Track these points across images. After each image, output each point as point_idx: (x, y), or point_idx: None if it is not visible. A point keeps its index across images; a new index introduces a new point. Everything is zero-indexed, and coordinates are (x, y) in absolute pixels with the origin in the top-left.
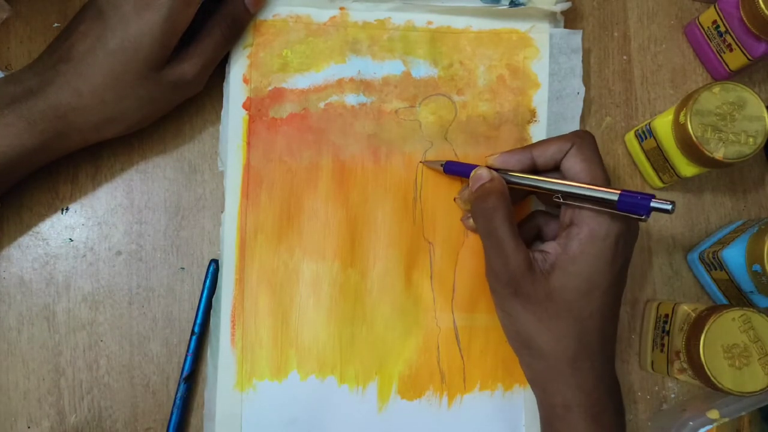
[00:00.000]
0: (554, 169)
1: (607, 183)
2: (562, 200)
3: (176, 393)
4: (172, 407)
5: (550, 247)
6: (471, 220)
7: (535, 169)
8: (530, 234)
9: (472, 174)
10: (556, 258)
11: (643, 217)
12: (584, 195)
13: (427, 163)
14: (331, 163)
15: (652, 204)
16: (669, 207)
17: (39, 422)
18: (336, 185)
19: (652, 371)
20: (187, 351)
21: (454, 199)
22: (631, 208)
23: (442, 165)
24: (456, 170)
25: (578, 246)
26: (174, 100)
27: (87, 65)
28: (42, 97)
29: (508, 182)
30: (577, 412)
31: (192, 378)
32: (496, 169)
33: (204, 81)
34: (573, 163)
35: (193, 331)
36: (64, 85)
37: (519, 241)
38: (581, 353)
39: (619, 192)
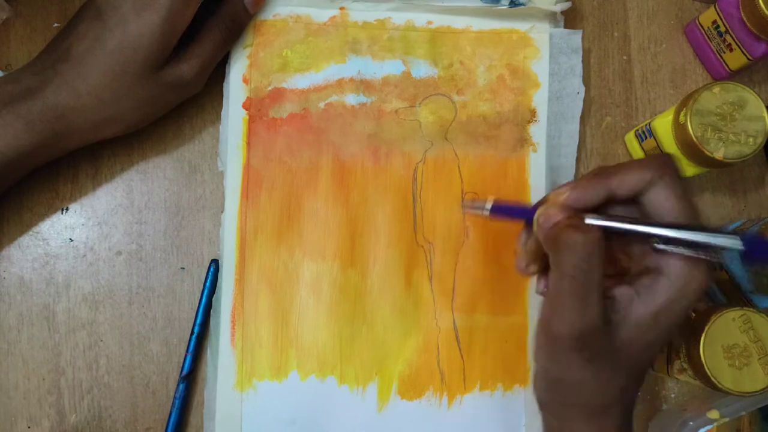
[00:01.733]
0: (629, 202)
1: (697, 218)
2: (663, 246)
3: (176, 393)
4: (172, 407)
5: (622, 293)
6: (532, 268)
7: (610, 204)
8: None
9: (537, 216)
10: (629, 307)
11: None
12: (698, 242)
13: (467, 209)
14: (331, 163)
15: None
16: None
17: (39, 422)
18: (336, 185)
19: (652, 371)
20: (187, 351)
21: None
22: (762, 255)
23: (485, 209)
24: (506, 212)
25: (665, 299)
26: (173, 101)
27: (86, 65)
28: (40, 97)
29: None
30: None
31: (191, 378)
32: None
33: (203, 81)
34: (662, 198)
35: (192, 330)
36: (63, 85)
37: (602, 297)
38: (620, 399)
39: (740, 239)
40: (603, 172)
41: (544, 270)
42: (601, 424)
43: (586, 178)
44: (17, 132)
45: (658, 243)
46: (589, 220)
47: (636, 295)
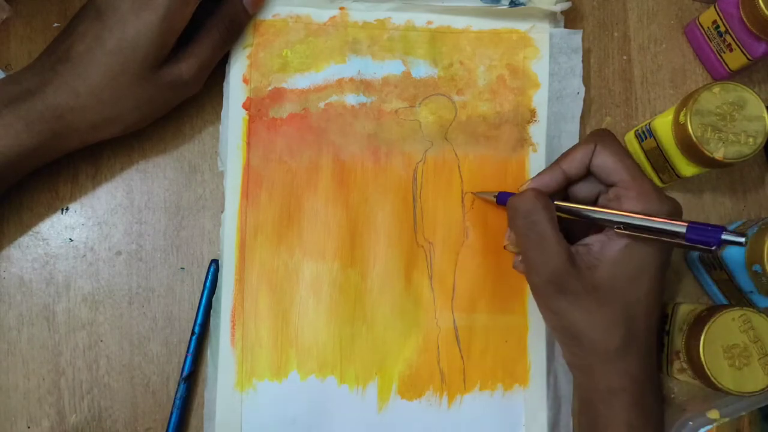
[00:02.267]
0: (585, 177)
1: (640, 171)
2: (624, 231)
3: (176, 393)
4: (172, 407)
5: (594, 239)
6: (510, 246)
7: (569, 183)
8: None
9: (508, 203)
10: (603, 248)
11: (713, 248)
12: (646, 226)
13: (478, 194)
14: (331, 163)
15: (724, 237)
16: (742, 240)
17: (39, 422)
18: (336, 185)
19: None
20: (187, 351)
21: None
22: (701, 241)
23: (494, 196)
24: (503, 200)
25: (624, 239)
26: (172, 101)
27: (85, 66)
28: (40, 97)
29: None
30: (621, 396)
31: (192, 378)
32: None
33: (202, 81)
34: (602, 160)
35: (193, 331)
36: (63, 86)
37: (560, 237)
38: (630, 340)
39: (686, 224)
40: (556, 160)
41: None
42: (618, 366)
43: (543, 170)
44: (17, 132)
45: (620, 228)
46: (558, 203)
47: (607, 238)
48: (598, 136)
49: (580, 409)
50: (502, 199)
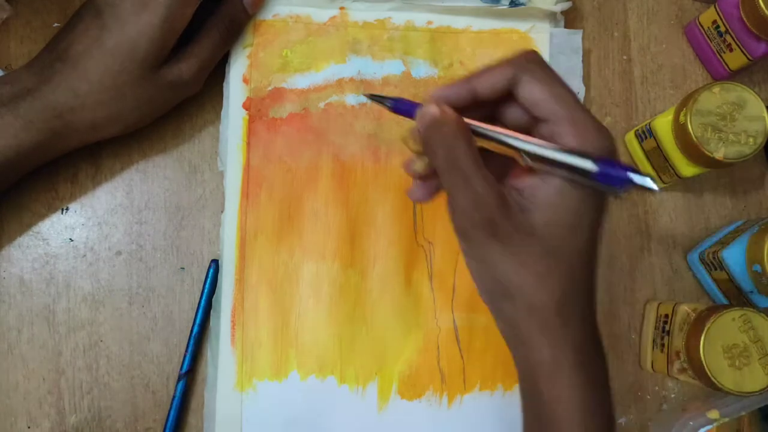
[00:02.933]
0: (503, 101)
1: (578, 103)
2: (530, 162)
3: (174, 390)
4: (170, 403)
5: (527, 181)
6: (417, 164)
7: (478, 105)
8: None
9: (417, 112)
10: (536, 191)
11: (620, 192)
12: (549, 157)
13: (372, 97)
14: (331, 163)
15: (632, 178)
16: (654, 187)
17: (39, 422)
18: (336, 185)
19: (652, 371)
20: (186, 350)
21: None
22: (609, 181)
23: (389, 104)
24: (405, 110)
25: (564, 177)
26: (171, 101)
27: (84, 65)
28: (39, 96)
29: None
30: (567, 367)
31: (190, 376)
32: None
33: (201, 82)
34: (531, 90)
35: (192, 330)
36: (61, 85)
37: (488, 174)
38: (569, 297)
39: (597, 161)
40: (471, 73)
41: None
42: (558, 333)
43: (459, 80)
44: (16, 131)
45: (529, 159)
46: (470, 122)
47: (541, 181)
48: (525, 61)
49: (522, 393)
50: (402, 108)
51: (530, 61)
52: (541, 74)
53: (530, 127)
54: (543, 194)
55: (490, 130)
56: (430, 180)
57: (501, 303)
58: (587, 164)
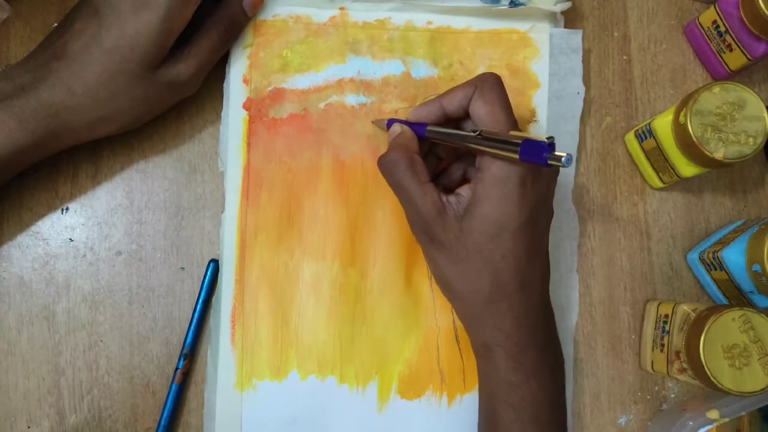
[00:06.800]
0: (466, 117)
1: (512, 124)
2: (474, 146)
3: (174, 371)
4: (167, 394)
5: (465, 190)
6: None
7: (449, 119)
8: (456, 178)
9: (390, 130)
10: (468, 201)
11: (548, 164)
12: (483, 147)
13: (376, 122)
14: (331, 163)
15: (546, 156)
16: (566, 163)
17: (39, 422)
18: (336, 185)
19: (652, 371)
20: (182, 349)
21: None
22: (531, 159)
23: (386, 123)
24: (390, 125)
25: (483, 189)
26: (169, 101)
27: (81, 63)
28: (34, 94)
29: (429, 137)
30: (497, 352)
31: (189, 375)
32: (414, 124)
33: (199, 82)
34: (476, 107)
35: (189, 329)
36: (57, 83)
37: (427, 188)
38: (496, 295)
39: (519, 141)
40: (441, 94)
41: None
42: (489, 322)
43: (429, 100)
44: (11, 130)
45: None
46: (430, 128)
47: (474, 185)
48: (480, 80)
49: (478, 372)
50: (389, 125)
51: (485, 80)
52: (490, 95)
53: None
54: (471, 203)
55: (441, 131)
56: None
57: (448, 295)
58: (510, 149)
